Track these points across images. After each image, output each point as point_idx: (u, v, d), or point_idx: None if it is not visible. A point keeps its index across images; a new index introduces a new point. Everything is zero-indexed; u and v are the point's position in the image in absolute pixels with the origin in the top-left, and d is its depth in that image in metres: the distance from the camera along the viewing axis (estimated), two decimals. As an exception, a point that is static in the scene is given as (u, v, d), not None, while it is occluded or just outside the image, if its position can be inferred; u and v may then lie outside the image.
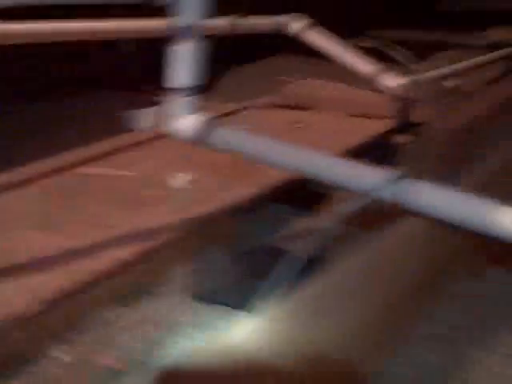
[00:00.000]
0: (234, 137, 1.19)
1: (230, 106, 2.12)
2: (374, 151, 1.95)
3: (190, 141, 1.21)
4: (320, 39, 2.10)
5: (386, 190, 1.07)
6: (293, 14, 2.14)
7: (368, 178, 1.12)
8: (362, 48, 2.59)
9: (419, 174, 1.18)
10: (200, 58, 1.19)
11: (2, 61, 1.77)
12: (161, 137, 1.79)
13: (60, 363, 1.09)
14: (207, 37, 1.25)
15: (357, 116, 2.06)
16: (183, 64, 1.18)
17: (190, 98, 1.19)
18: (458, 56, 2.71)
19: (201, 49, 1.21)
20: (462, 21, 3.69)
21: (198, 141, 1.20)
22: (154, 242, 1.30)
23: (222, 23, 1.88)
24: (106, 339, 1.16)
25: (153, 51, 1.83)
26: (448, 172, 1.44)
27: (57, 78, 2.41)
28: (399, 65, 2.60)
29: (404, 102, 2.03)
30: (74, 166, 1.67)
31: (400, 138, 2.01)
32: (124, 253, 1.24)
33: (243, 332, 0.72)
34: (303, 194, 1.61)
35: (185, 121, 1.20)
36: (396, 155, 1.95)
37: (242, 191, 1.51)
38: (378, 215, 1.19)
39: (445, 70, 2.38)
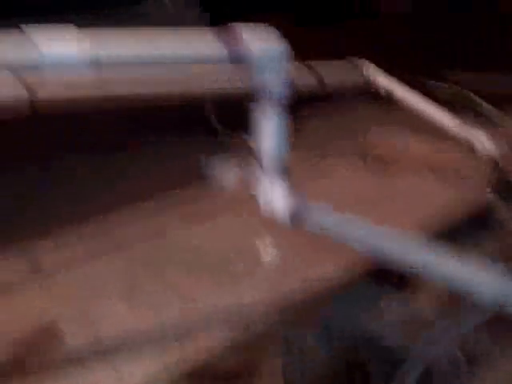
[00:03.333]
0: (327, 221, 1.15)
1: (316, 161, 2.06)
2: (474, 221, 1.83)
3: (283, 222, 1.18)
4: (407, 95, 2.02)
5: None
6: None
7: (492, 286, 1.02)
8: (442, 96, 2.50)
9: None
10: (285, 126, 1.15)
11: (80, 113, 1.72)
12: (248, 197, 1.74)
13: None
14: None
15: (445, 174, 1.96)
16: (270, 137, 1.14)
17: (282, 179, 1.16)
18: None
19: (285, 116, 1.15)
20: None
21: (290, 222, 1.17)
22: (243, 329, 1.24)
23: (308, 81, 1.83)
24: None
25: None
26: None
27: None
28: (482, 117, 2.47)
29: (500, 163, 1.91)
30: (160, 230, 1.63)
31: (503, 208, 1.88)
32: (211, 340, 1.19)
33: None
34: (390, 273, 1.52)
35: (278, 202, 1.17)
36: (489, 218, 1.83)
37: (330, 269, 1.44)
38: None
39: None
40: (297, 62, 1.79)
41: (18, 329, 1.23)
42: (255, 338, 1.23)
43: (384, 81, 2.07)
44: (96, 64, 0.97)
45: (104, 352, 1.16)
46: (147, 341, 1.19)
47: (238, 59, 1.08)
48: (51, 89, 1.34)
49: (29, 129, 2.11)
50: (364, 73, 2.05)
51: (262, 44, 1.09)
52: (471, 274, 1.04)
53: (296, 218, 1.20)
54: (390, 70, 2.23)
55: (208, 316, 1.26)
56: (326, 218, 1.19)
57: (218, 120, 2.32)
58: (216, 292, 1.35)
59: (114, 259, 1.49)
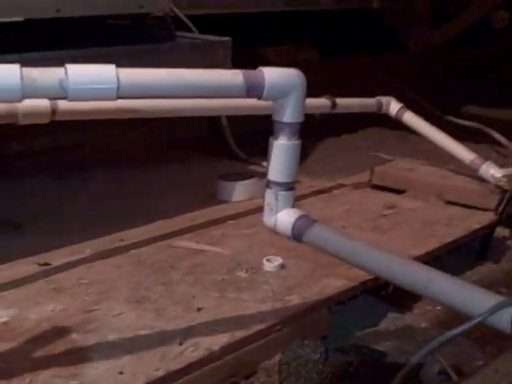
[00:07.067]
0: (326, 238, 1.20)
1: (323, 184, 2.10)
2: (471, 243, 1.86)
3: (285, 236, 1.23)
4: (419, 122, 2.07)
5: (498, 317, 1.02)
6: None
7: (476, 300, 1.07)
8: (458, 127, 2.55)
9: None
10: (298, 153, 1.22)
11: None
12: (252, 211, 1.79)
13: None
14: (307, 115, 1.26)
15: (454, 204, 1.99)
16: (284, 161, 1.21)
17: (288, 193, 1.22)
18: None
19: (299, 144, 1.22)
20: None
21: (291, 236, 1.22)
22: (244, 332, 1.28)
23: (323, 103, 1.89)
24: None
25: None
26: None
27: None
28: (496, 148, 2.51)
29: (507, 193, 1.94)
30: (166, 237, 1.68)
31: (501, 232, 1.92)
32: (213, 343, 1.23)
33: None
34: (391, 289, 1.56)
35: (281, 217, 1.22)
36: (496, 249, 1.87)
37: (332, 282, 1.48)
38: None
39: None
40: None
41: (24, 323, 1.27)
42: (253, 340, 1.27)
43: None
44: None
45: (108, 351, 1.20)
46: (151, 344, 1.23)
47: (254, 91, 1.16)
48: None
49: (45, 138, 2.20)
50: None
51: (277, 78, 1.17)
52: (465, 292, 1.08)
53: (298, 234, 1.25)
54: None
55: (212, 323, 1.30)
56: (326, 235, 1.24)
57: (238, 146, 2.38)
58: (218, 302, 1.39)
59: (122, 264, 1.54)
